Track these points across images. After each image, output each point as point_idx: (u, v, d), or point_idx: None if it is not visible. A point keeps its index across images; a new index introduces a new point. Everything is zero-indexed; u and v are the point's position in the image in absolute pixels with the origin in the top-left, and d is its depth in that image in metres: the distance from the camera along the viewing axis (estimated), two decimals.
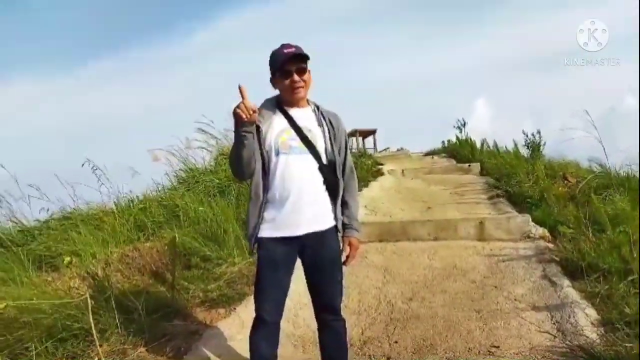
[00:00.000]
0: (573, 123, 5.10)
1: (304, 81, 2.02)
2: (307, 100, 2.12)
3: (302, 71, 2.00)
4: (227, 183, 5.30)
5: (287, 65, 1.97)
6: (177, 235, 3.31)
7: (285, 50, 1.98)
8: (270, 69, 2.05)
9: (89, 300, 2.40)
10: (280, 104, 2.09)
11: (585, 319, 2.58)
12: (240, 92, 1.83)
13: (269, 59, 2.04)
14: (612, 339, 2.31)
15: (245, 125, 1.86)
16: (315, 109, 2.11)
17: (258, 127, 2.02)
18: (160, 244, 3.95)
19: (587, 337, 2.39)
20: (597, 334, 2.42)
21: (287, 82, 2.00)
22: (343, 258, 2.12)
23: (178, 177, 5.87)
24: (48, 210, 4.58)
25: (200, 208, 4.44)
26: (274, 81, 2.07)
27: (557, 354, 2.33)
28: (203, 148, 5.98)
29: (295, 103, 2.07)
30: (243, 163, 1.96)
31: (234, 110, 1.82)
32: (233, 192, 5.12)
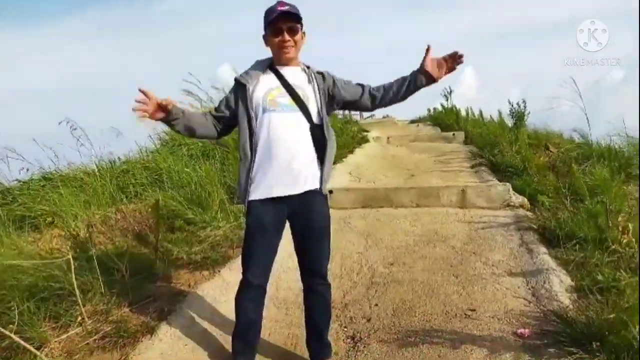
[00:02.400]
0: (559, 92, 5.11)
1: (295, 41, 1.99)
2: (298, 61, 2.10)
3: (293, 31, 1.97)
4: (212, 147, 5.25)
5: (278, 23, 1.95)
6: (160, 198, 3.28)
7: (278, 8, 1.94)
8: (264, 26, 2.02)
9: (71, 260, 2.41)
10: (272, 65, 2.07)
11: (560, 285, 2.67)
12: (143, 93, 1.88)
13: (263, 14, 2.00)
14: (584, 304, 2.40)
15: (166, 120, 1.96)
16: (306, 68, 2.10)
17: (244, 86, 2.00)
18: (143, 207, 3.93)
19: (561, 302, 2.48)
20: (570, 300, 2.52)
21: (277, 40, 1.98)
22: (444, 68, 2.06)
23: (162, 140, 5.79)
24: (28, 170, 4.48)
25: (186, 169, 4.41)
26: (265, 38, 2.04)
27: (531, 318, 2.42)
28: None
29: (285, 62, 2.05)
30: (199, 135, 2.11)
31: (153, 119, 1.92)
32: (217, 156, 5.08)
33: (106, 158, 5.03)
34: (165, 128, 5.73)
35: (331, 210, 4.10)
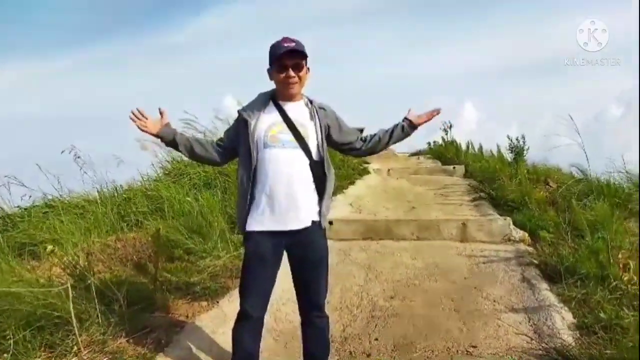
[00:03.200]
0: (558, 129, 5.16)
1: (299, 77, 2.03)
2: (301, 95, 2.13)
3: (298, 67, 2.01)
4: (214, 176, 5.28)
5: (284, 59, 1.98)
6: (161, 227, 3.28)
7: (284, 44, 1.98)
8: (269, 61, 2.06)
9: (69, 289, 2.39)
10: (275, 98, 2.11)
11: (562, 322, 2.65)
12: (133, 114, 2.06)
13: (269, 49, 2.05)
14: (587, 342, 2.37)
15: (161, 137, 2.10)
16: (309, 102, 2.13)
17: (246, 122, 2.04)
18: (143, 235, 3.92)
19: (563, 340, 2.45)
20: (573, 337, 2.49)
21: (282, 76, 2.01)
22: (424, 116, 2.26)
23: (164, 169, 5.82)
24: (30, 197, 4.49)
25: (187, 199, 4.42)
26: (270, 73, 2.08)
27: (533, 356, 2.38)
28: None
29: (288, 98, 2.08)
30: (198, 154, 2.18)
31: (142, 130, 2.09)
32: (219, 185, 5.10)
33: (108, 186, 5.06)
34: (168, 157, 5.81)
35: (331, 242, 4.09)
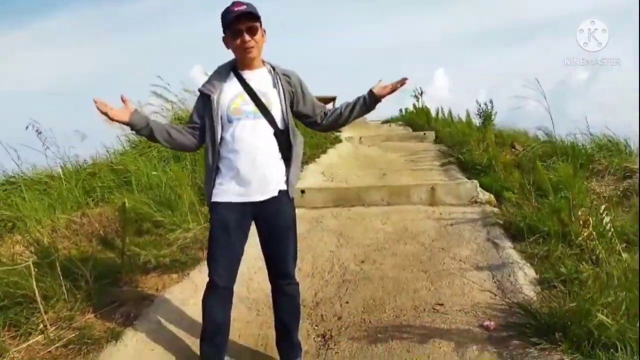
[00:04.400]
0: (525, 92, 5.21)
1: (256, 41, 1.95)
2: (263, 61, 2.06)
3: (253, 30, 1.93)
4: None
5: (237, 24, 1.90)
6: (127, 201, 3.20)
7: (235, 9, 1.90)
8: (222, 29, 1.97)
9: (31, 266, 2.33)
10: (235, 67, 2.04)
11: (524, 278, 2.75)
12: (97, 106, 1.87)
13: (220, 17, 1.96)
14: (547, 296, 2.47)
15: (133, 126, 1.95)
16: (271, 69, 2.06)
17: (209, 97, 1.98)
18: (110, 210, 3.84)
19: (525, 294, 2.55)
20: (534, 292, 2.59)
21: (237, 42, 1.94)
22: (388, 87, 2.10)
23: (131, 142, 5.66)
24: None
25: (154, 172, 4.32)
26: (225, 40, 2.00)
27: (496, 311, 2.48)
28: (157, 113, 5.75)
29: (248, 64, 2.02)
30: (176, 140, 2.05)
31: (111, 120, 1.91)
32: (188, 158, 5.00)
33: (72, 161, 4.89)
34: None
35: (303, 210, 4.13)
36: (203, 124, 2.04)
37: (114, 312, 2.49)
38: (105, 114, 1.88)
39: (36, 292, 2.31)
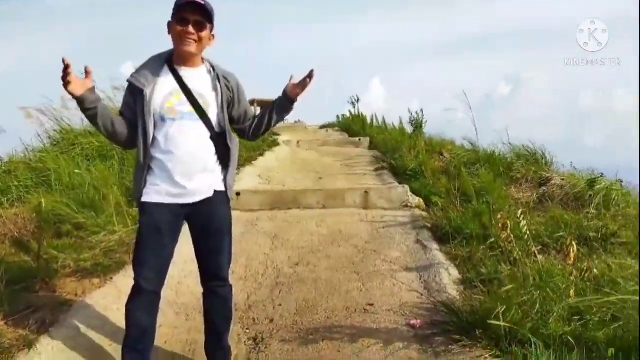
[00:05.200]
0: (455, 105, 5.53)
1: (200, 37, 1.87)
2: (203, 59, 1.99)
3: (200, 25, 1.85)
4: (110, 147, 4.90)
5: (186, 12, 1.82)
6: (43, 201, 2.99)
7: None
8: (172, 12, 1.87)
9: None
10: (171, 62, 1.94)
11: (448, 278, 2.90)
12: (65, 66, 1.69)
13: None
14: (469, 295, 2.62)
15: (82, 101, 1.78)
16: (211, 69, 1.99)
17: (142, 91, 1.88)
18: (26, 211, 3.56)
19: (449, 294, 2.69)
20: (457, 291, 2.74)
21: (180, 29, 1.84)
22: (299, 86, 2.01)
23: (52, 139, 5.28)
24: None
25: (76, 171, 4.06)
26: (169, 25, 1.89)
27: (422, 310, 2.58)
28: None
29: (185, 59, 1.93)
30: (117, 132, 1.92)
31: (66, 89, 1.73)
32: (116, 157, 4.75)
33: None
34: (56, 126, 5.26)
35: (239, 213, 4.06)
36: (135, 120, 1.92)
37: (27, 318, 2.30)
38: (67, 80, 1.71)
39: None
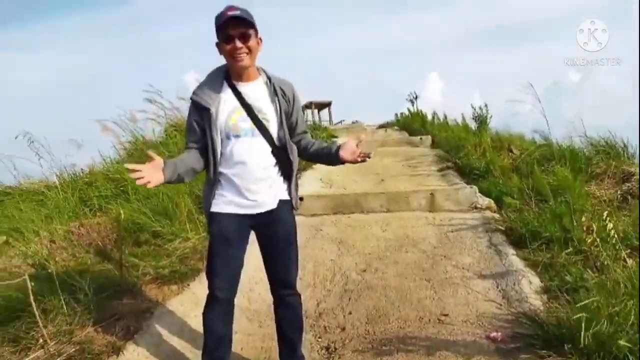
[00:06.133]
0: (520, 96, 5.21)
1: (249, 48, 1.86)
2: (258, 69, 2.00)
3: (245, 37, 1.84)
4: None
5: (229, 29, 1.82)
6: (123, 211, 3.17)
7: (228, 13, 1.81)
8: (216, 33, 1.89)
9: (28, 280, 2.28)
10: (229, 76, 1.97)
11: (529, 287, 2.72)
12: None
13: (214, 21, 1.87)
14: (554, 306, 2.44)
15: (168, 181, 1.87)
16: (268, 81, 1.99)
17: (208, 109, 1.91)
18: (107, 220, 3.79)
19: (531, 304, 2.52)
20: (541, 301, 2.56)
21: (229, 47, 1.85)
22: (355, 147, 2.02)
23: (127, 150, 5.61)
24: None
25: None
26: (218, 46, 1.92)
27: (502, 321, 2.45)
28: (152, 119, 5.71)
29: (241, 74, 1.94)
30: (197, 174, 2.02)
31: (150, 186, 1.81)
32: None
33: (68, 170, 4.84)
34: (130, 137, 5.59)
35: (302, 217, 4.08)
36: (203, 140, 1.97)
37: (113, 325, 2.44)
38: (147, 181, 1.77)
39: (34, 306, 2.26)
